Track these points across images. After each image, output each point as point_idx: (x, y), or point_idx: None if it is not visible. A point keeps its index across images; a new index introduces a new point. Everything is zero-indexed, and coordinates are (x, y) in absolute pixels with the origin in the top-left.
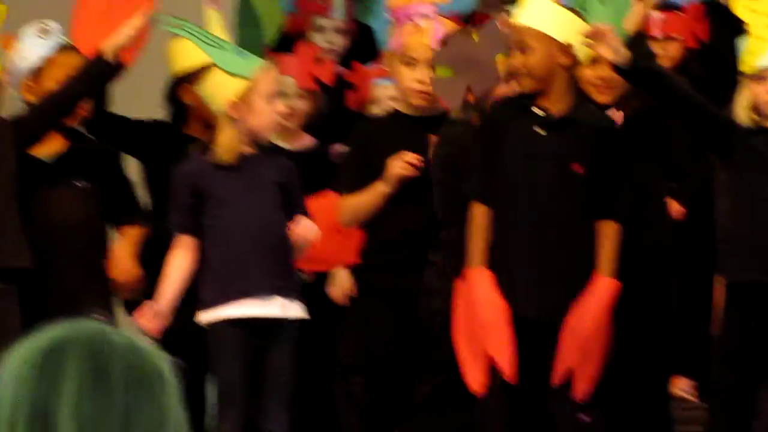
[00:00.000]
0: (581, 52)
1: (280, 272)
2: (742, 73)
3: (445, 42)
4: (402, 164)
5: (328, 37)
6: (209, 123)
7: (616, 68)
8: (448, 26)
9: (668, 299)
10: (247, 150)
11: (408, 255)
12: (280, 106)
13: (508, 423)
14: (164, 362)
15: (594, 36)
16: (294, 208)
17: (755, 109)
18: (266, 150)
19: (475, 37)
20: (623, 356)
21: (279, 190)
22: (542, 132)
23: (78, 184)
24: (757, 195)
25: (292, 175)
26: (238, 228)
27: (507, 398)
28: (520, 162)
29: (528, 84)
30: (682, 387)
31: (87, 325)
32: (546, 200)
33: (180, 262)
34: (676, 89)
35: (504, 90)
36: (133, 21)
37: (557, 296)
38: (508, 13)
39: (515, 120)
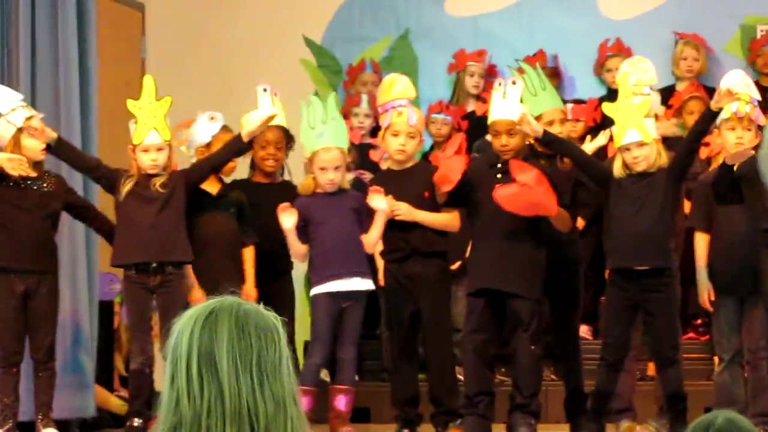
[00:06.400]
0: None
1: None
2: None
3: None
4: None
5: (360, 119)
6: None
7: (535, 139)
8: (417, 112)
9: (578, 277)
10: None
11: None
12: (330, 174)
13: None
14: (277, 320)
15: (521, 121)
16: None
17: (624, 165)
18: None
19: None
20: (553, 313)
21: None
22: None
23: (231, 210)
24: (625, 212)
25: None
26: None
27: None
28: None
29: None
30: (584, 330)
31: (228, 299)
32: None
33: None
34: (571, 149)
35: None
36: (263, 118)
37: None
38: None
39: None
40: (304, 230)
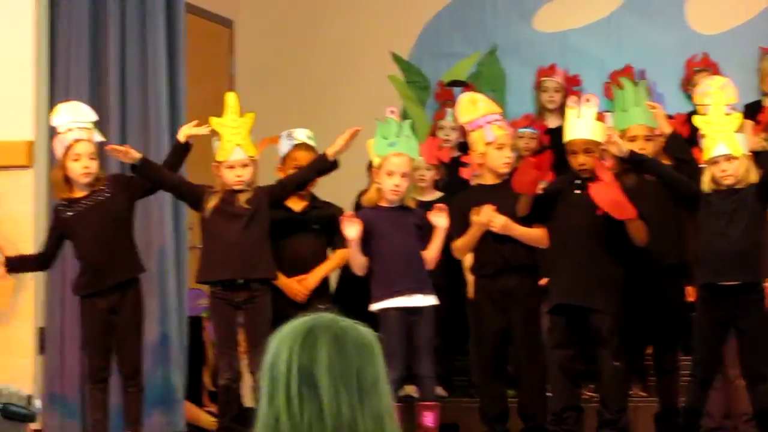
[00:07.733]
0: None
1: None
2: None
3: None
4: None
5: (446, 132)
6: None
7: (621, 158)
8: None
9: (681, 293)
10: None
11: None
12: (396, 179)
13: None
14: (374, 336)
15: (608, 141)
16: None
17: (713, 180)
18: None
19: None
20: (656, 329)
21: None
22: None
23: (314, 227)
24: (713, 228)
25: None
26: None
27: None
28: None
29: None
30: None
31: (325, 316)
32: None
33: None
34: (659, 168)
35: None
36: (346, 135)
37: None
38: None
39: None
40: (364, 242)
